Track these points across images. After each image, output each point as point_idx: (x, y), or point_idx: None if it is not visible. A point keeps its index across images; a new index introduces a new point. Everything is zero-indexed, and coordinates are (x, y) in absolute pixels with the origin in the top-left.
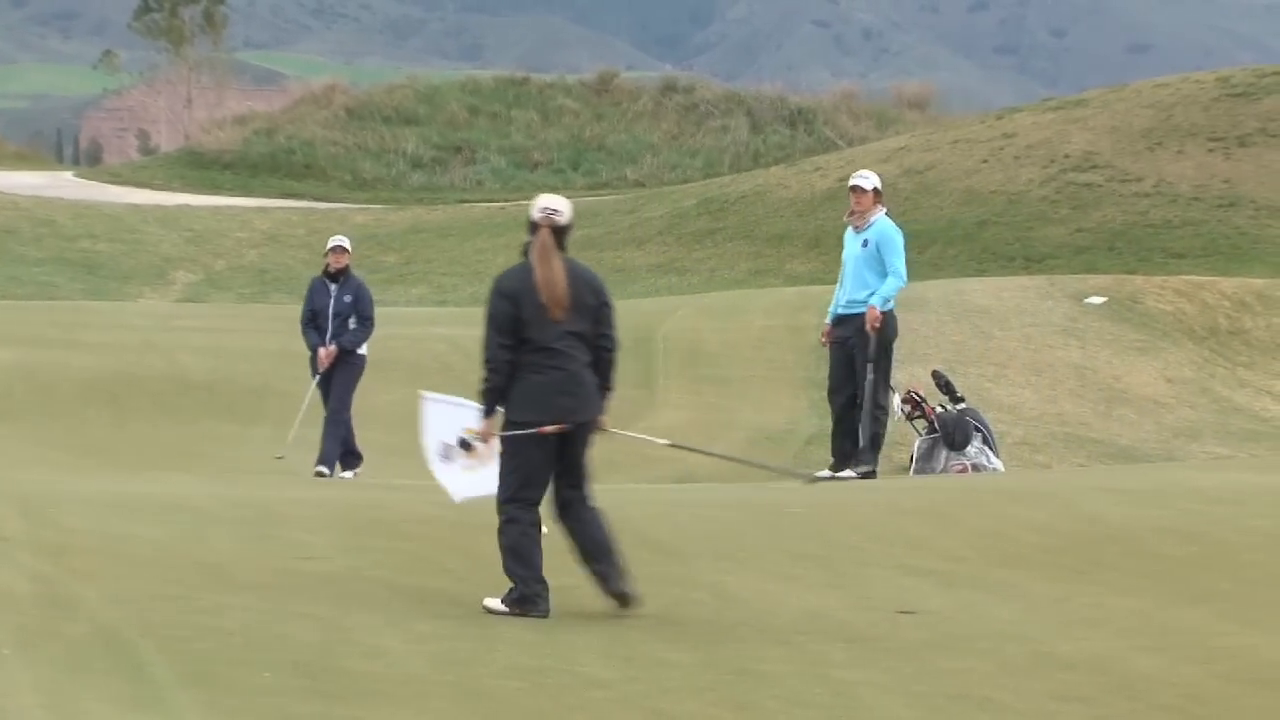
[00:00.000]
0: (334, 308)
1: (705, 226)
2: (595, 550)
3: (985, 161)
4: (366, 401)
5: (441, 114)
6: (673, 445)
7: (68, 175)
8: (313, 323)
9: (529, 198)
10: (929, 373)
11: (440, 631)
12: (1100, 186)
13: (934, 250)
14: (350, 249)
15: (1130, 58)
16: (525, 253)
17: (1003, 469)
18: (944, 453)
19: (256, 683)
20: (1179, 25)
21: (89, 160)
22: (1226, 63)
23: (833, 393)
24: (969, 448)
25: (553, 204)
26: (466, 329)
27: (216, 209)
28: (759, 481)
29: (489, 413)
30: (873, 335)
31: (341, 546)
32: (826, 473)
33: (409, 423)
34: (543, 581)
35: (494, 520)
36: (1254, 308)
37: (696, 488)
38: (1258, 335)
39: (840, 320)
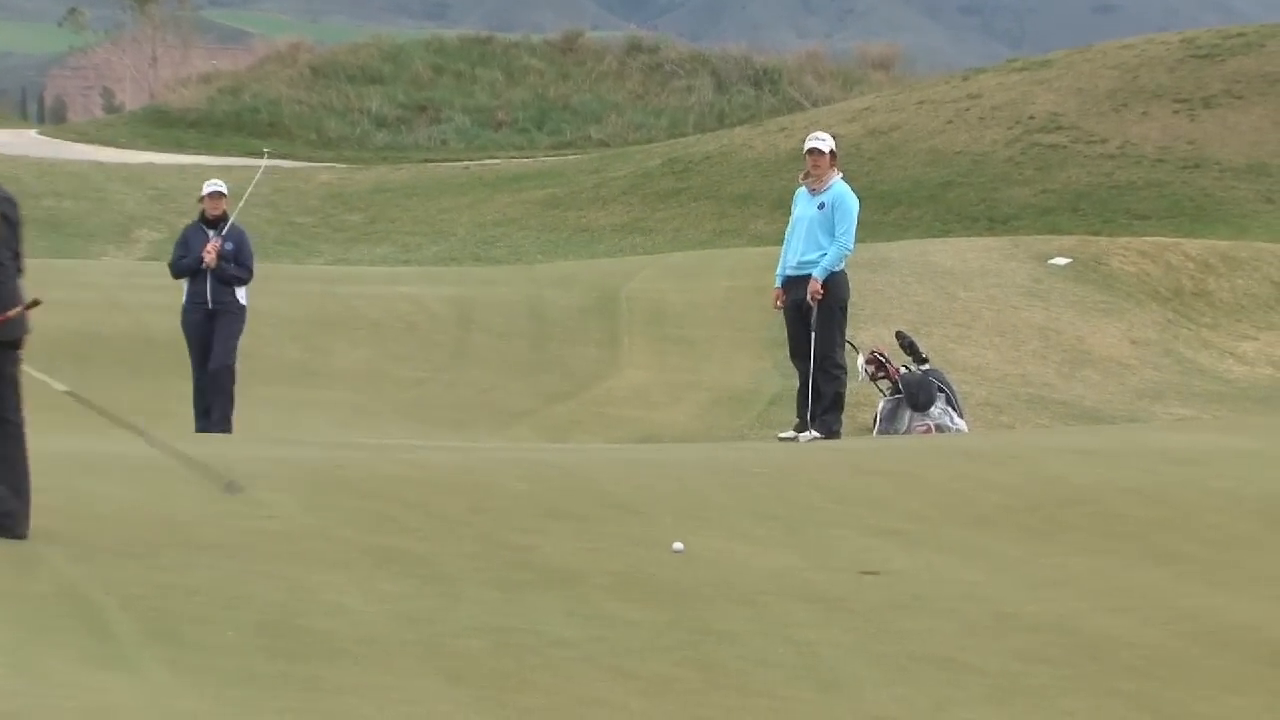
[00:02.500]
0: (185, 259)
1: (670, 186)
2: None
3: (950, 122)
4: (331, 361)
5: (406, 73)
6: (69, 393)
7: (32, 133)
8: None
9: (494, 157)
10: (893, 333)
11: (403, 591)
12: (1065, 148)
13: (898, 211)
14: (228, 194)
15: (1095, 19)
16: None
17: (966, 430)
18: (908, 413)
19: (220, 641)
20: None
21: (54, 118)
22: (1191, 24)
23: (795, 356)
24: (933, 409)
25: None
26: (431, 287)
27: (181, 167)
28: (724, 442)
29: None
30: (814, 305)
31: (305, 506)
32: (790, 433)
33: (373, 381)
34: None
35: (458, 480)
36: (1218, 269)
37: (660, 448)
38: (1221, 297)
39: (793, 281)
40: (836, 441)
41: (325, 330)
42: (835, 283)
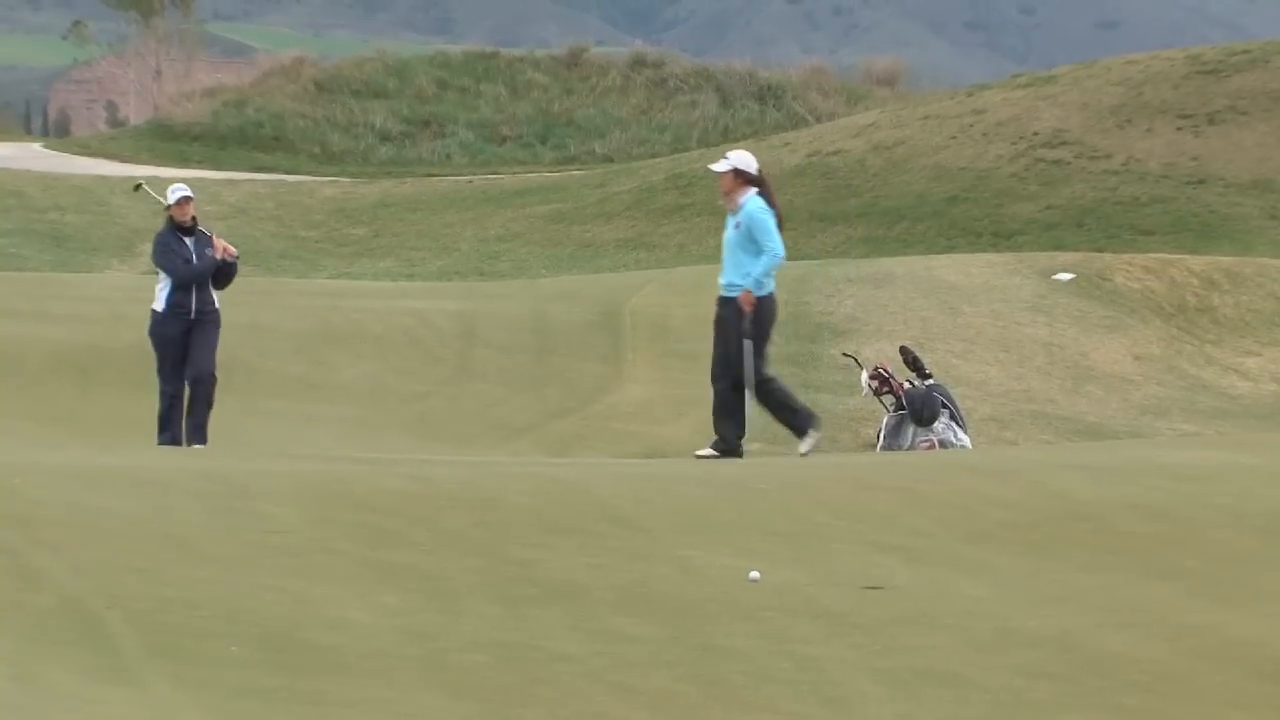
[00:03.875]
0: (197, 264)
1: (674, 201)
2: None
3: (954, 138)
4: (334, 375)
5: (410, 88)
6: None
7: (36, 147)
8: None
9: (498, 172)
10: (897, 348)
11: (406, 605)
12: (1069, 163)
13: (902, 226)
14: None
15: (1100, 35)
16: None
17: (970, 445)
18: (911, 429)
19: (223, 655)
20: (1149, 2)
21: (57, 132)
22: (1196, 40)
23: (714, 377)
24: (936, 424)
25: None
26: (434, 302)
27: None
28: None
29: None
30: (748, 314)
31: (308, 519)
32: (708, 450)
33: (376, 395)
34: None
35: (462, 495)
36: (1222, 285)
37: (663, 463)
38: (1225, 313)
39: (720, 302)
40: (840, 457)
41: (329, 344)
42: (759, 307)
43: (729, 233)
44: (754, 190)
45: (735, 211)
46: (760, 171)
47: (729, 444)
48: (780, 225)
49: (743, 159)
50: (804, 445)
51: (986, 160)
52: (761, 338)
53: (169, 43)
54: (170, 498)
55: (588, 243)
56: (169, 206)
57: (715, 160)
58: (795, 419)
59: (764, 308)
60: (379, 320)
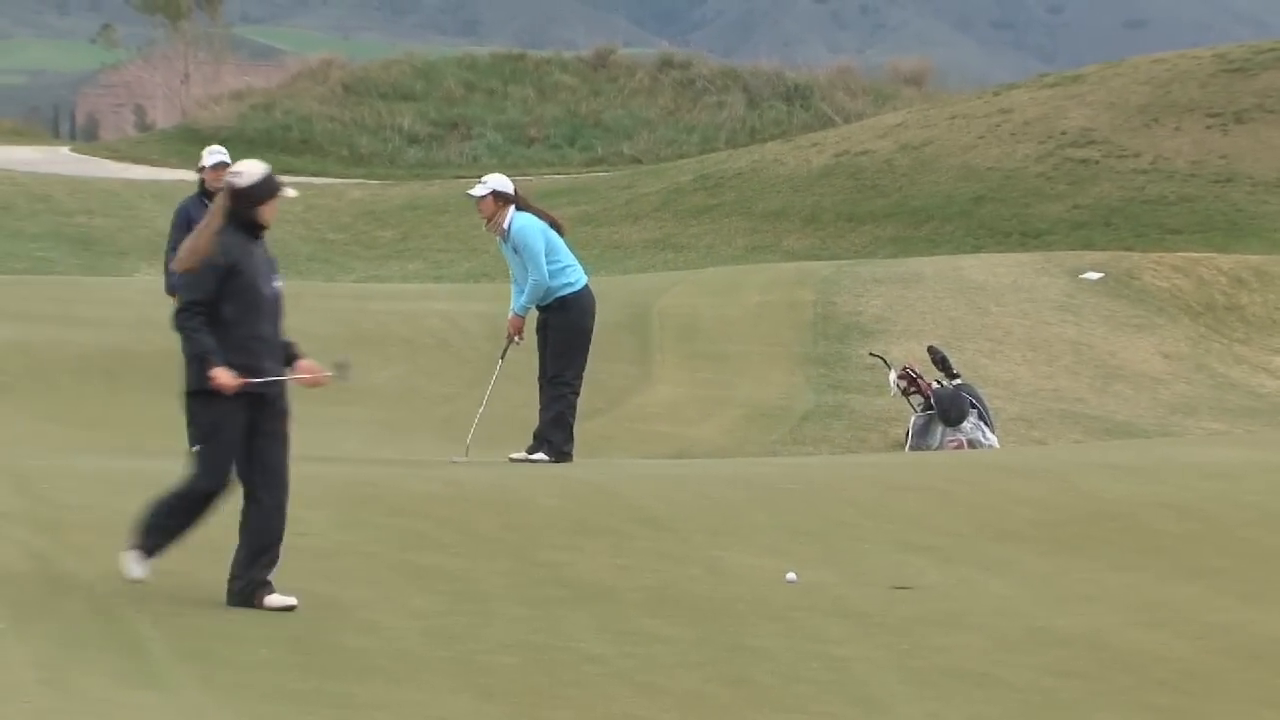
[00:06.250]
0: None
1: (702, 202)
2: None
3: (982, 137)
4: (363, 378)
5: (438, 90)
6: None
7: (64, 150)
8: None
9: (526, 174)
10: (925, 348)
11: (435, 607)
12: (1097, 162)
13: (930, 226)
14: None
15: (1127, 33)
16: None
17: (998, 445)
18: (940, 429)
19: (252, 658)
20: (1176, 1)
21: (86, 136)
22: (1223, 39)
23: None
24: (965, 424)
25: None
26: (463, 304)
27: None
28: (756, 457)
29: None
30: (514, 338)
31: (336, 522)
32: (521, 454)
33: (406, 399)
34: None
35: (491, 497)
36: (1250, 284)
37: (693, 463)
38: (1254, 311)
39: (541, 309)
40: (868, 457)
41: (357, 347)
42: (577, 308)
43: (510, 259)
44: (513, 207)
45: (505, 237)
46: (517, 192)
47: (557, 450)
48: (559, 230)
49: (499, 181)
50: (526, 453)
51: (1014, 160)
52: (582, 338)
53: (196, 46)
54: None
55: (616, 244)
56: (201, 168)
57: (736, 158)
58: (556, 437)
59: (578, 310)
60: (407, 323)
